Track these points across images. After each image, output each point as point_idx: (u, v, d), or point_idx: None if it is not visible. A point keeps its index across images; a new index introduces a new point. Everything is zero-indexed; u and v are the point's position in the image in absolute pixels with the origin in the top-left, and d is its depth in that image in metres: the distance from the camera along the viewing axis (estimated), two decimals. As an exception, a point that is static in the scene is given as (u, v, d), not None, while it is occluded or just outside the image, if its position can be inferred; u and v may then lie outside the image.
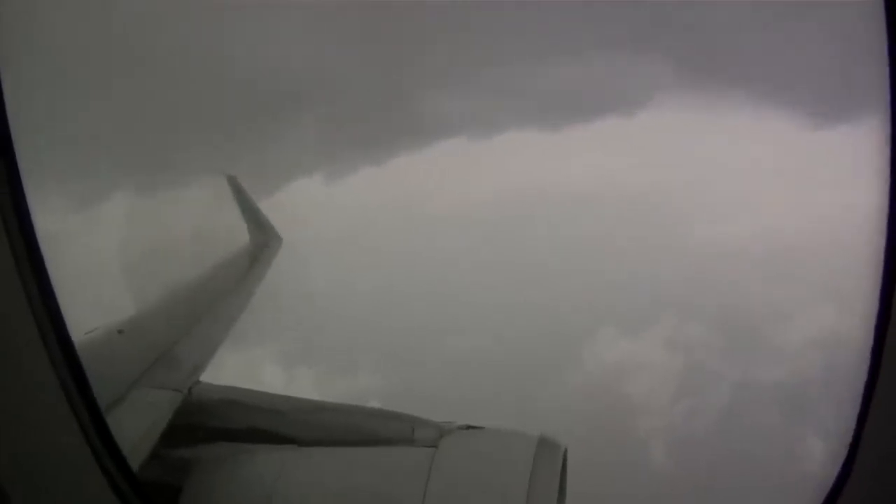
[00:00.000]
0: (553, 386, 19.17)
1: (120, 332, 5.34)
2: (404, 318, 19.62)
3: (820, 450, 18.09)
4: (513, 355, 19.70)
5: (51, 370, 2.10)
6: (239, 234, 9.44)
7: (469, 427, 4.41)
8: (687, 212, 25.47)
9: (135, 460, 3.17)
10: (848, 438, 2.29)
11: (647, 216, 25.17)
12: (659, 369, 21.42)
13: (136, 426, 3.98)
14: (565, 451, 4.27)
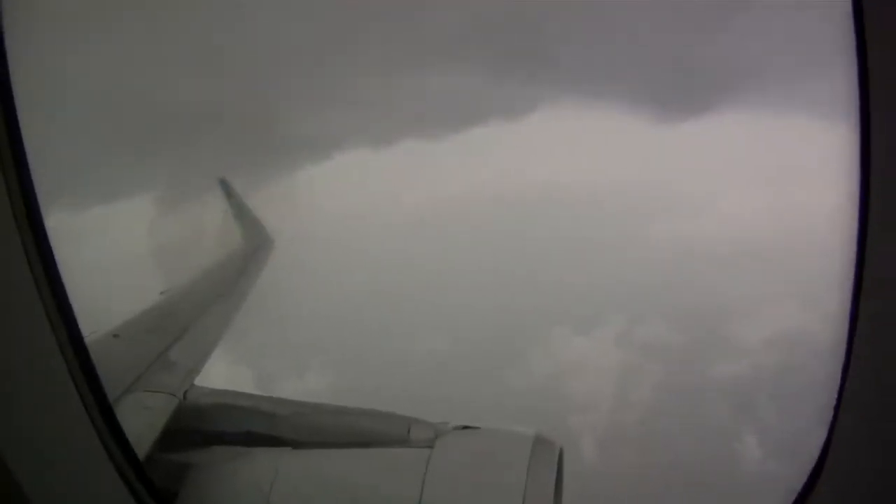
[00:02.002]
0: (505, 385, 19.33)
1: (115, 336, 5.34)
2: (354, 321, 19.70)
3: (759, 448, 18.36)
4: (466, 357, 19.89)
5: (64, 369, 2.15)
6: (232, 237, 9.43)
7: (465, 427, 4.42)
8: (645, 212, 25.80)
9: None
10: (819, 439, 2.31)
11: (602, 217, 25.57)
12: (610, 368, 21.63)
13: (132, 430, 3.97)
14: (561, 450, 4.28)
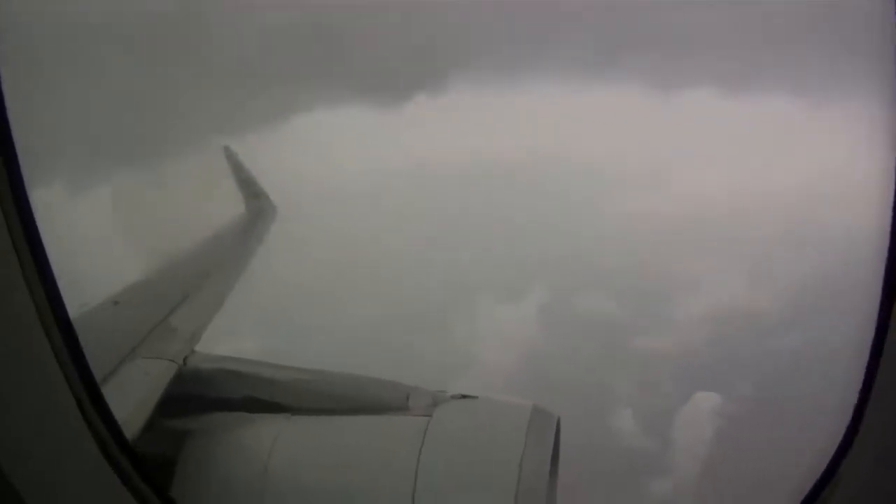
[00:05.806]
0: (417, 350, 19.59)
1: (115, 303, 5.36)
2: (289, 284, 19.79)
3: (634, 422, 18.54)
4: (392, 324, 20.22)
5: (46, 342, 2.09)
6: (234, 204, 9.40)
7: (463, 396, 4.45)
8: (597, 186, 25.87)
9: (130, 431, 3.18)
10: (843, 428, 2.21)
11: (550, 191, 25.76)
12: (526, 338, 21.81)
13: (131, 397, 3.99)
14: (558, 421, 4.31)
